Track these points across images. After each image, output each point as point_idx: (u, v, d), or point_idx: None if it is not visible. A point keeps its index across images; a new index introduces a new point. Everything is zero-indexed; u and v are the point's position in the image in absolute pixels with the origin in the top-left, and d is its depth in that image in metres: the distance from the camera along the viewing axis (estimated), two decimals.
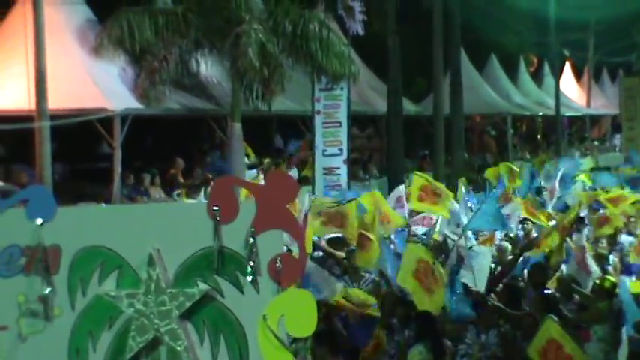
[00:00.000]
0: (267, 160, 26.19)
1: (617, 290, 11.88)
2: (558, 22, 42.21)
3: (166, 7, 22.13)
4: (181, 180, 23.13)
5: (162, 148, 24.34)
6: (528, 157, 40.22)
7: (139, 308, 4.59)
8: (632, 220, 17.89)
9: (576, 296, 12.21)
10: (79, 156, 22.74)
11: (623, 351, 10.94)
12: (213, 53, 22.21)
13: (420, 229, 15.73)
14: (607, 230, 16.27)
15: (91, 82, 20.36)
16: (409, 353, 10.01)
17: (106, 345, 4.63)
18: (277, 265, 4.52)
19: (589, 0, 42.09)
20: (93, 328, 4.64)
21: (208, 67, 22.95)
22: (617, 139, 48.87)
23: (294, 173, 24.83)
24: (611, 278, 12.02)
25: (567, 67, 50.95)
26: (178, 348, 4.57)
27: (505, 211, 15.19)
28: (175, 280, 4.61)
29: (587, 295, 12.10)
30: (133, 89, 21.21)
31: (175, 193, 21.85)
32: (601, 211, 17.44)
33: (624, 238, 16.76)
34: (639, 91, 44.23)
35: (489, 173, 23.09)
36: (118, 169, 20.57)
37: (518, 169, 21.57)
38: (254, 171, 23.97)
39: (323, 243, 14.50)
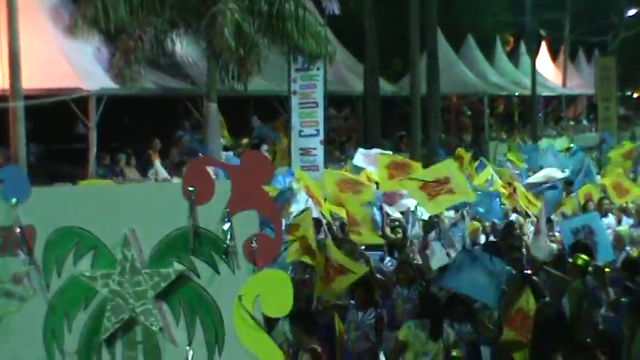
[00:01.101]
0: (244, 141, 26.15)
1: (590, 268, 12.00)
2: (534, 1, 42.28)
3: None
4: (157, 160, 23.04)
5: (137, 129, 24.22)
6: (504, 136, 40.35)
7: (114, 289, 4.57)
8: None
9: None
10: (54, 136, 22.60)
11: None
12: (188, 33, 22.11)
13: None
14: None
15: (66, 61, 20.22)
16: (401, 327, 10.04)
17: (82, 325, 4.61)
18: (253, 245, 4.51)
19: None
20: (68, 309, 4.63)
21: (184, 47, 22.86)
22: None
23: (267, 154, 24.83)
24: (583, 256, 12.07)
25: (543, 47, 51.07)
26: (154, 328, 4.56)
27: None
28: (151, 261, 4.60)
29: (561, 276, 12.17)
30: (108, 69, 21.08)
31: (151, 172, 21.77)
32: None
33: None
34: (615, 71, 44.45)
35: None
36: (93, 149, 20.50)
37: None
38: (230, 153, 23.92)
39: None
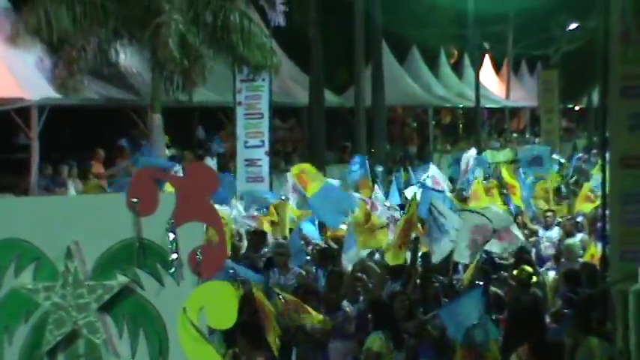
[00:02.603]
0: (186, 152, 26.03)
1: (535, 279, 12.11)
2: (478, 14, 42.69)
3: None
4: (100, 170, 22.87)
5: (81, 139, 24.03)
6: (449, 148, 40.65)
7: (56, 301, 4.51)
8: None
9: None
10: None
11: None
12: (132, 43, 22.00)
13: None
14: None
15: (7, 71, 20.00)
16: (368, 339, 10.01)
17: (22, 339, 4.55)
18: (198, 257, 4.48)
19: None
20: (9, 322, 4.56)
21: (128, 57, 22.73)
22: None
23: (213, 164, 24.72)
24: (528, 268, 12.19)
25: (487, 60, 51.57)
26: (97, 341, 4.51)
27: None
28: (94, 273, 4.55)
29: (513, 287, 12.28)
30: (51, 79, 20.89)
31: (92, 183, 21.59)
32: None
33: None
34: (557, 84, 45.01)
35: None
36: (35, 159, 20.28)
37: None
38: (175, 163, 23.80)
39: None
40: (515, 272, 12.34)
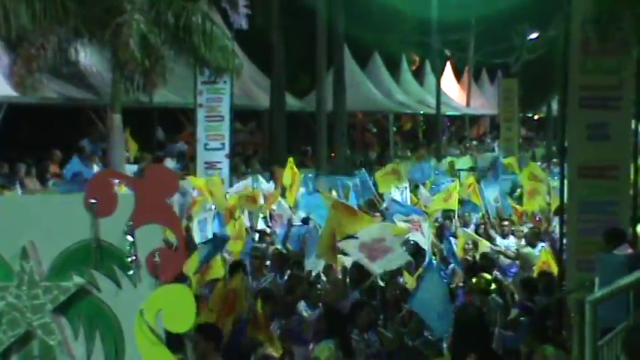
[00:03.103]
0: (146, 154, 25.89)
1: (492, 287, 12.17)
2: (440, 21, 42.91)
3: None
4: (57, 171, 22.67)
5: (39, 138, 23.83)
6: (409, 154, 40.79)
7: (10, 302, 4.46)
8: None
9: None
10: None
11: None
12: (93, 42, 21.81)
13: None
14: None
15: None
16: (317, 348, 9.97)
17: None
18: (155, 259, 4.45)
19: (470, 1, 42.93)
20: None
21: (88, 57, 22.55)
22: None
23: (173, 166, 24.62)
24: (486, 276, 12.23)
25: (448, 67, 51.82)
26: (51, 342, 4.46)
27: None
28: (50, 274, 4.49)
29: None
30: (9, 77, 20.68)
31: (52, 182, 21.41)
32: None
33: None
34: (517, 92, 45.35)
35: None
36: None
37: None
38: (135, 166, 23.66)
39: None
40: (474, 280, 12.37)
